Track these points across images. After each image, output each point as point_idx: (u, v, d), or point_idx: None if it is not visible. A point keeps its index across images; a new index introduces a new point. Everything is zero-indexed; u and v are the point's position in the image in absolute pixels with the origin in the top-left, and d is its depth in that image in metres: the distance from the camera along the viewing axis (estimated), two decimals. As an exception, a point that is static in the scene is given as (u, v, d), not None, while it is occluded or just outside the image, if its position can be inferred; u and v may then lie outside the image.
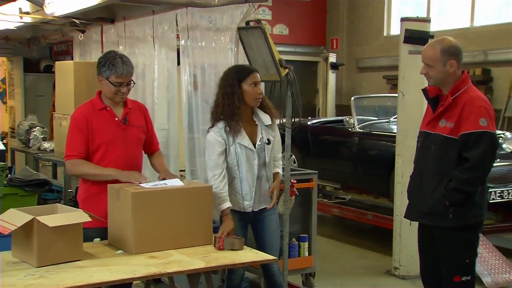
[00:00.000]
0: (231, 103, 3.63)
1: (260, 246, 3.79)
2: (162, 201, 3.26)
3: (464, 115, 3.28)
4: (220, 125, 3.67)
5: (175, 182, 3.42)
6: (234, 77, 3.67)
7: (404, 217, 3.68)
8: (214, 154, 3.66)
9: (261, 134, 3.75)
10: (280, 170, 3.91)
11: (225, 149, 3.67)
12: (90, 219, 3.09)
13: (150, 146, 3.79)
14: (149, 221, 3.20)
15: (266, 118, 3.77)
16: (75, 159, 3.47)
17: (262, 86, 3.83)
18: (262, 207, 3.82)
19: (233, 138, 3.66)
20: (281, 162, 3.97)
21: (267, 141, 3.75)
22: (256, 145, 3.72)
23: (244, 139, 3.68)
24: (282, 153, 4.08)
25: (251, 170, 3.71)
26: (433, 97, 3.46)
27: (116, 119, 3.55)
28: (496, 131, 3.45)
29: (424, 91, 3.53)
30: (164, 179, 3.49)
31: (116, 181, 3.38)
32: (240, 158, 3.68)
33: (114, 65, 3.45)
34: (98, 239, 3.36)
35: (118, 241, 3.26)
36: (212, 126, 3.71)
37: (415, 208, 3.54)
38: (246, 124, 3.72)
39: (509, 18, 9.02)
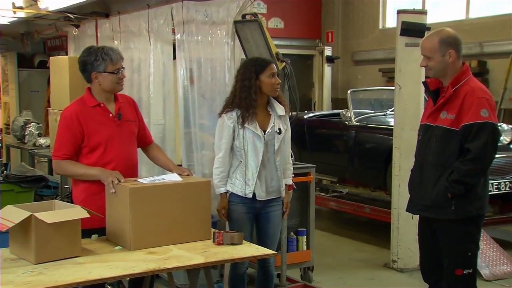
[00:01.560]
0: (248, 96, 3.72)
1: (261, 237, 3.86)
2: (160, 196, 3.24)
3: (465, 107, 3.27)
4: (234, 112, 3.77)
5: (174, 178, 3.41)
6: (252, 70, 3.75)
7: (406, 210, 3.67)
8: (222, 137, 3.78)
9: (273, 123, 3.81)
10: (290, 181, 3.98)
11: (234, 134, 3.76)
12: (88, 215, 3.07)
13: (144, 139, 3.76)
14: (147, 216, 3.18)
15: (279, 109, 3.85)
16: (60, 160, 3.45)
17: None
18: (270, 198, 3.83)
19: (243, 123, 3.74)
20: (290, 170, 4.02)
21: (278, 130, 3.81)
22: (266, 132, 3.78)
23: (253, 125, 3.75)
24: None
25: (256, 156, 3.76)
26: (434, 90, 3.45)
27: (110, 115, 3.50)
28: (497, 122, 3.44)
29: (425, 83, 3.52)
30: (180, 175, 3.47)
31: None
32: (247, 143, 3.75)
33: (107, 54, 3.42)
34: (96, 235, 3.34)
35: (116, 236, 3.24)
36: (224, 112, 3.80)
37: (416, 201, 3.53)
38: (260, 113, 3.80)
39: (504, 9, 9.02)
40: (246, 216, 3.80)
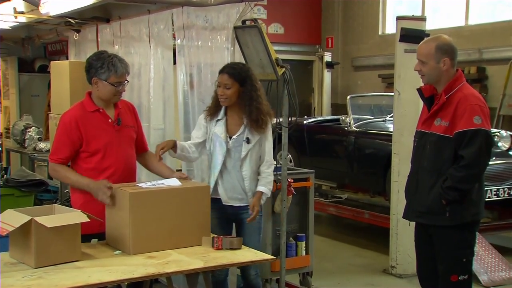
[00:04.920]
0: (216, 95, 3.84)
1: None
2: (160, 201, 3.25)
3: (458, 114, 3.29)
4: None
5: (173, 182, 3.42)
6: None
7: (403, 217, 3.69)
8: (196, 131, 3.94)
9: (242, 130, 3.79)
10: (264, 189, 3.82)
11: (206, 133, 3.86)
12: (88, 219, 3.08)
13: (141, 145, 3.77)
14: (146, 221, 3.19)
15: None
16: (56, 164, 3.47)
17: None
18: (237, 205, 3.82)
19: (214, 125, 3.81)
20: (269, 180, 3.86)
21: (246, 139, 3.78)
22: (231, 138, 3.77)
23: (219, 128, 3.79)
24: (274, 157, 4.07)
25: (217, 159, 3.80)
26: (428, 97, 3.47)
27: (110, 120, 3.51)
28: (492, 129, 3.46)
29: (419, 90, 3.54)
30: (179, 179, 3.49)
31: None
32: (213, 145, 3.81)
33: (114, 65, 3.41)
34: (96, 239, 3.35)
35: (116, 241, 3.25)
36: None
37: (412, 208, 3.54)
38: (232, 117, 3.83)
39: (504, 16, 9.05)
40: (216, 221, 3.76)
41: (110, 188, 3.25)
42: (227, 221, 3.88)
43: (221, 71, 3.83)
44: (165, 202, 3.26)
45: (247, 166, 3.79)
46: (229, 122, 3.82)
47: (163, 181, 3.43)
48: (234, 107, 3.81)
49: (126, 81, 3.52)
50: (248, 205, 3.80)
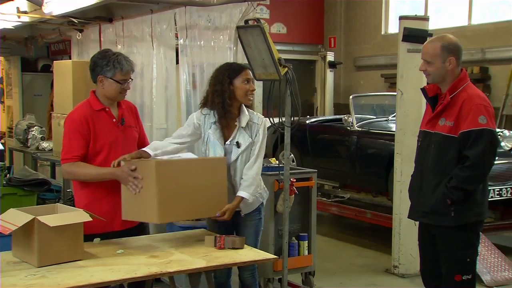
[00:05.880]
0: (222, 100, 3.61)
1: None
2: (183, 170, 3.34)
3: (463, 113, 3.28)
4: (205, 111, 3.71)
5: (189, 155, 3.50)
6: (225, 74, 3.67)
7: (408, 217, 3.68)
8: (183, 129, 3.74)
9: (234, 135, 3.68)
10: (243, 194, 3.59)
11: (198, 134, 3.71)
12: (90, 219, 3.08)
13: (143, 145, 3.74)
14: (171, 190, 3.25)
15: (243, 120, 3.69)
16: (70, 163, 3.38)
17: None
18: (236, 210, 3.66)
19: (209, 128, 3.67)
20: (250, 182, 3.62)
21: (236, 144, 3.67)
22: (225, 144, 3.68)
23: (217, 132, 3.67)
24: (271, 157, 3.99)
25: None
26: (432, 96, 3.47)
27: (114, 120, 3.51)
28: (496, 129, 3.45)
29: (423, 90, 3.54)
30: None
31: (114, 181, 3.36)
32: (208, 148, 3.68)
33: (119, 62, 3.41)
34: (98, 238, 3.36)
35: (138, 213, 3.30)
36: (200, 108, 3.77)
37: (417, 208, 3.54)
38: (227, 123, 3.71)
39: (507, 16, 9.03)
40: (215, 225, 3.72)
41: (134, 170, 3.27)
42: (226, 224, 3.72)
43: (244, 67, 3.74)
44: (187, 172, 3.34)
45: (238, 170, 3.67)
46: (225, 127, 3.70)
47: (179, 154, 3.51)
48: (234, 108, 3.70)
49: (130, 79, 3.53)
50: (239, 210, 3.68)
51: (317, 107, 11.32)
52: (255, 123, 3.72)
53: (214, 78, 3.72)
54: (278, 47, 4.73)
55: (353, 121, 7.19)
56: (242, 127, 3.68)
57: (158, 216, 3.21)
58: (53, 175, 7.08)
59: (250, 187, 3.62)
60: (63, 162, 3.43)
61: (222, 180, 3.48)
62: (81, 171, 3.40)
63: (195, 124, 3.71)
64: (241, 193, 3.61)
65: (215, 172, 3.45)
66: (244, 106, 3.73)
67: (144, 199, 3.25)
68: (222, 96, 3.62)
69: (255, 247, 3.67)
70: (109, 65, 3.42)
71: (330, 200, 7.70)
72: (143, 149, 3.55)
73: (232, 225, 3.79)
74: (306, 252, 5.04)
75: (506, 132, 6.55)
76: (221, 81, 3.65)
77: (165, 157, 3.43)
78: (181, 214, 3.35)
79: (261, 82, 4.33)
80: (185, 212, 3.35)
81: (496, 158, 3.49)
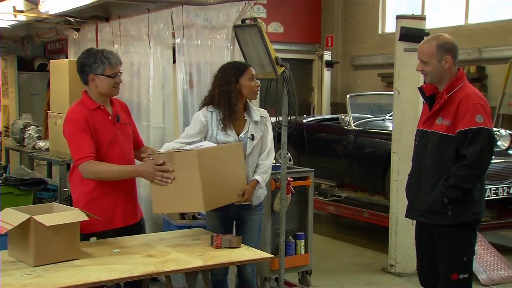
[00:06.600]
0: (229, 100, 3.68)
1: None
2: (216, 158, 3.45)
3: (460, 112, 3.29)
4: (211, 108, 3.75)
5: (209, 144, 3.57)
6: (231, 74, 3.72)
7: (405, 216, 3.68)
8: (191, 129, 3.77)
9: (247, 128, 3.77)
10: (259, 178, 3.74)
11: (205, 131, 3.75)
12: (87, 218, 3.08)
13: (137, 142, 3.77)
14: (210, 178, 3.35)
15: (255, 115, 3.81)
16: (90, 160, 3.32)
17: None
18: (245, 203, 3.75)
19: (225, 128, 3.70)
20: (265, 170, 3.79)
21: (251, 136, 3.75)
22: (239, 137, 3.75)
23: (229, 130, 3.71)
24: (275, 153, 4.02)
25: None
26: (429, 95, 3.47)
27: (110, 117, 3.50)
28: (493, 128, 3.46)
29: (420, 89, 3.54)
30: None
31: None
32: (218, 143, 3.71)
33: (106, 57, 3.41)
34: (95, 238, 3.35)
35: (178, 204, 3.38)
36: (203, 107, 3.81)
37: (415, 207, 3.54)
38: (235, 119, 3.76)
39: (503, 15, 9.05)
40: (219, 221, 3.77)
41: (162, 165, 3.30)
42: (228, 220, 3.86)
43: (247, 65, 3.82)
44: (218, 159, 3.46)
45: (250, 163, 3.76)
46: (235, 123, 3.76)
47: (201, 143, 3.58)
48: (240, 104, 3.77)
49: (120, 72, 3.52)
50: (249, 203, 3.76)
51: (314, 106, 11.32)
52: (263, 117, 3.86)
53: (220, 78, 3.76)
54: (275, 46, 4.73)
55: (350, 120, 7.20)
56: (255, 121, 3.79)
57: (204, 204, 3.30)
58: (49, 175, 7.06)
59: (265, 173, 3.79)
60: (78, 163, 3.34)
61: (242, 165, 3.62)
62: (104, 168, 3.36)
63: (203, 122, 3.75)
64: (256, 176, 3.74)
65: (236, 158, 3.57)
66: (249, 101, 3.82)
67: (185, 189, 3.30)
68: (228, 96, 3.69)
69: (259, 240, 3.86)
70: (97, 61, 3.41)
71: (327, 199, 7.71)
72: (158, 150, 3.61)
73: (237, 221, 3.85)
74: (303, 251, 5.04)
75: (503, 131, 6.57)
76: (227, 81, 3.71)
77: (192, 146, 3.50)
78: (218, 200, 3.45)
79: (258, 81, 4.33)
80: (221, 198, 3.47)
81: (493, 157, 3.50)
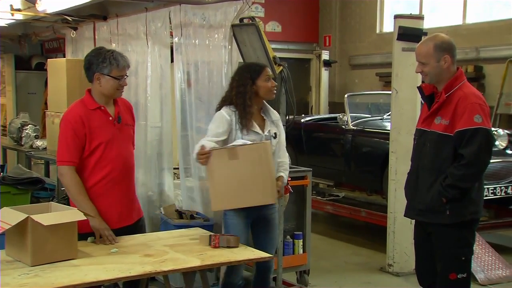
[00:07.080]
0: (243, 102, 3.72)
1: (261, 243, 3.78)
2: (267, 152, 3.55)
3: (459, 112, 3.29)
4: (233, 108, 3.76)
5: (241, 141, 3.61)
6: (247, 76, 3.76)
7: (404, 215, 3.68)
8: (218, 127, 3.72)
9: (269, 127, 3.83)
10: (283, 174, 3.85)
11: (230, 130, 3.72)
12: (84, 218, 3.08)
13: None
14: (270, 169, 3.55)
15: (274, 114, 3.89)
16: (69, 166, 3.36)
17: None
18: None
19: (243, 129, 3.71)
20: (286, 167, 3.92)
21: (274, 135, 3.82)
22: (264, 135, 3.79)
23: (253, 126, 3.75)
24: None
25: None
26: (429, 95, 3.47)
27: (110, 118, 3.48)
28: (491, 127, 3.46)
29: (420, 88, 3.54)
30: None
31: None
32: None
33: (115, 58, 3.40)
34: (92, 237, 3.34)
35: (246, 199, 3.49)
36: (224, 106, 3.80)
37: (413, 206, 3.54)
38: (255, 117, 3.80)
39: (501, 15, 9.05)
40: (243, 221, 3.74)
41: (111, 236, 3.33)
42: (251, 220, 3.82)
43: (263, 66, 3.84)
44: (264, 154, 3.56)
45: (274, 160, 3.80)
46: (256, 122, 3.79)
47: (237, 141, 3.63)
48: (256, 105, 3.81)
49: (126, 76, 3.51)
50: (269, 205, 3.78)
51: (312, 106, 11.31)
52: (277, 118, 3.93)
53: (237, 80, 3.81)
54: (273, 46, 4.74)
55: (348, 119, 7.19)
56: (273, 120, 3.85)
57: (270, 195, 3.48)
58: (47, 174, 7.06)
59: (287, 171, 3.91)
60: (59, 164, 3.40)
61: (272, 163, 3.68)
62: (73, 188, 3.37)
63: (228, 120, 3.74)
64: (281, 173, 3.83)
65: (267, 156, 3.60)
66: (265, 102, 3.87)
67: (255, 182, 3.45)
68: (243, 98, 3.73)
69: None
70: (105, 62, 3.40)
71: (325, 198, 7.70)
72: (216, 147, 3.61)
73: (258, 220, 3.84)
74: (301, 251, 5.04)
75: (501, 131, 6.57)
76: (244, 83, 3.76)
77: (240, 142, 3.59)
78: (272, 193, 3.60)
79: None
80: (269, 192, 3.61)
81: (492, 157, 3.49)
